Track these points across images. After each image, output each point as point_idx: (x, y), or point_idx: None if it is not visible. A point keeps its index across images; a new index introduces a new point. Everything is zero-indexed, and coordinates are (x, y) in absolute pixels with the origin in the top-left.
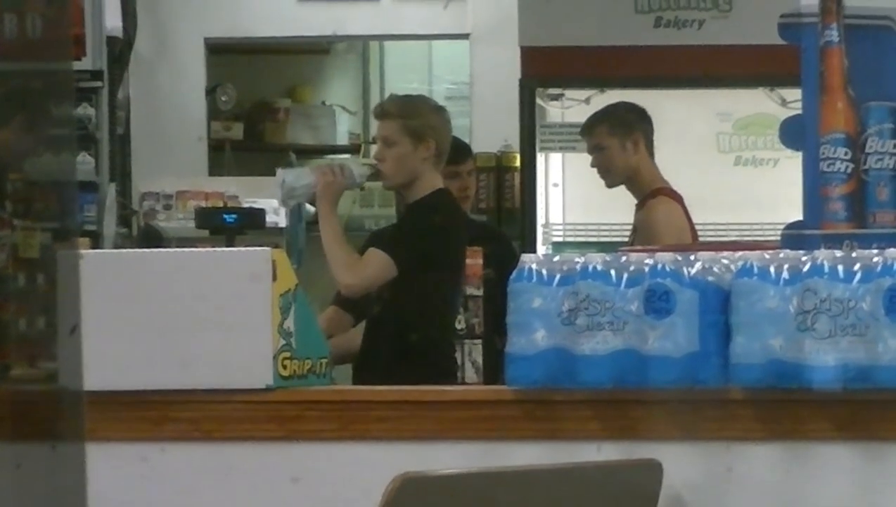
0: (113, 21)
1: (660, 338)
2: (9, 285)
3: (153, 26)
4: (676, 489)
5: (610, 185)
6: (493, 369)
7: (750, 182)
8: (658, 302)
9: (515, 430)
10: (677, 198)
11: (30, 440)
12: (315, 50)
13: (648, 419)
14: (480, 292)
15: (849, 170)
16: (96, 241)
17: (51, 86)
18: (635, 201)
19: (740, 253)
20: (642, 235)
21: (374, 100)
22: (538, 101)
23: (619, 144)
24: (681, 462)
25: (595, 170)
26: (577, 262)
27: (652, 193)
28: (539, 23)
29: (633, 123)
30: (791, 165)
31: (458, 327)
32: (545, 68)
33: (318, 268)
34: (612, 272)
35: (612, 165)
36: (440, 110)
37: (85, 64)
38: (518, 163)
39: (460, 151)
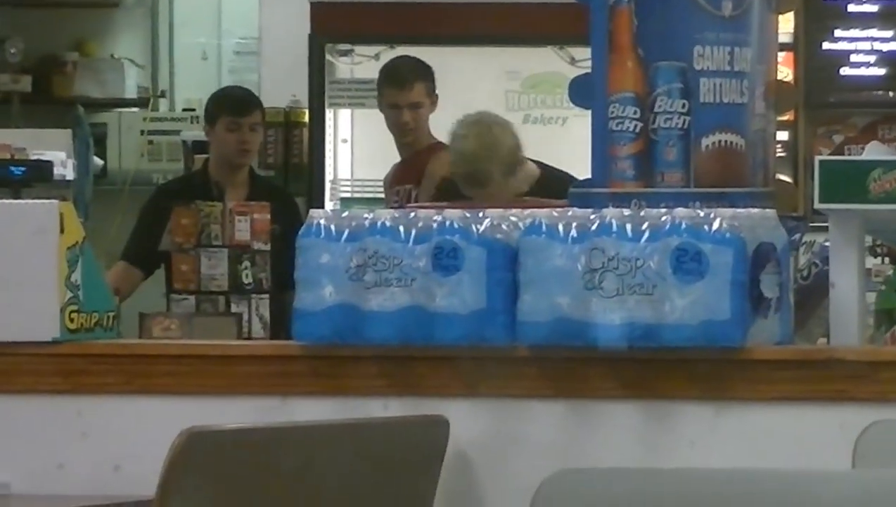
0: None
1: (447, 295)
2: None
3: None
4: (462, 445)
5: (405, 141)
6: (280, 324)
7: (539, 140)
8: (446, 259)
9: (302, 385)
10: None
11: None
12: (103, 3)
13: (435, 376)
14: (268, 247)
15: (637, 129)
16: None
17: None
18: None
19: (529, 211)
20: (432, 185)
21: (163, 53)
22: (327, 56)
23: (430, 103)
24: (467, 419)
25: (384, 125)
26: (366, 218)
27: (432, 146)
28: None
29: (435, 82)
30: (580, 124)
31: (246, 281)
32: (335, 24)
33: (104, 222)
34: (401, 229)
35: (421, 122)
36: None
37: None
38: (306, 119)
39: (242, 103)
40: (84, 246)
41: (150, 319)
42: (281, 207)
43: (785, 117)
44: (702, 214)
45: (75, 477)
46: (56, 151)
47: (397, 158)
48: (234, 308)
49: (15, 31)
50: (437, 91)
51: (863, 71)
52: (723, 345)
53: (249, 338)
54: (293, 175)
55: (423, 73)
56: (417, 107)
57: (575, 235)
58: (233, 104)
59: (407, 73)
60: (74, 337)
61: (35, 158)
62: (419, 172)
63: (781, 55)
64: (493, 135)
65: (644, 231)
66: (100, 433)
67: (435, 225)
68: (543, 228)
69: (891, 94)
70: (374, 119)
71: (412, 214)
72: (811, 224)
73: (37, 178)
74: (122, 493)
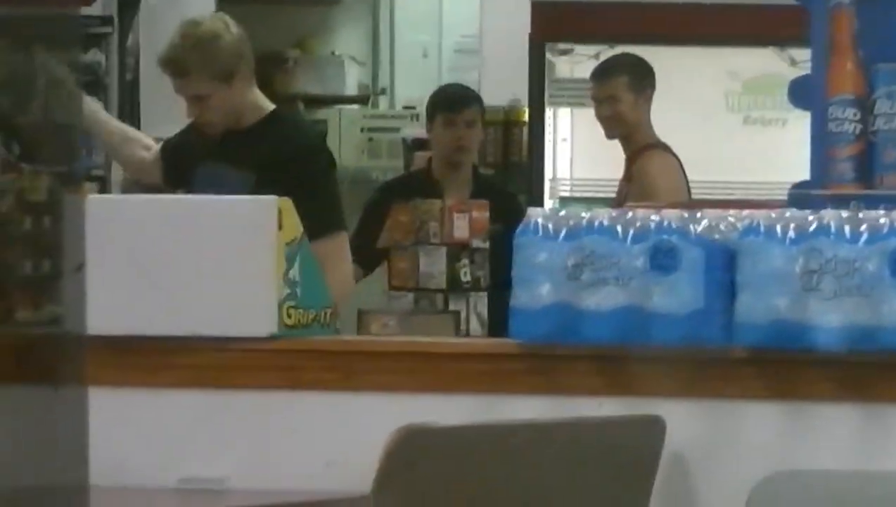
0: None
1: (664, 295)
2: (14, 229)
3: None
4: (678, 446)
5: (610, 136)
6: (498, 322)
7: (758, 141)
8: (663, 259)
9: (518, 384)
10: (673, 153)
11: (32, 383)
12: (325, 1)
13: (651, 376)
14: (486, 246)
15: (856, 131)
16: (104, 186)
17: (58, 31)
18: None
19: (746, 212)
20: (638, 186)
21: (384, 51)
22: (548, 55)
23: (633, 99)
24: (682, 420)
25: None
26: (584, 217)
27: (647, 146)
28: None
29: (647, 79)
30: (799, 126)
31: (464, 279)
32: (555, 23)
33: None
34: (619, 228)
35: (622, 118)
36: None
37: (94, 10)
38: (526, 117)
39: (456, 99)
40: (302, 242)
41: (368, 316)
42: (504, 206)
43: None
44: None
45: (288, 472)
46: None
47: (614, 157)
48: (451, 306)
49: None
50: (650, 88)
51: None
52: None
53: (467, 336)
54: (513, 174)
55: (627, 67)
56: (615, 100)
57: (793, 236)
58: (448, 101)
59: (606, 67)
60: (291, 333)
61: None
62: (631, 171)
63: None
64: (213, 30)
65: (862, 233)
66: (313, 429)
67: (653, 225)
68: (762, 229)
69: None
70: (593, 118)
71: (629, 214)
72: None
73: None
74: (332, 489)
